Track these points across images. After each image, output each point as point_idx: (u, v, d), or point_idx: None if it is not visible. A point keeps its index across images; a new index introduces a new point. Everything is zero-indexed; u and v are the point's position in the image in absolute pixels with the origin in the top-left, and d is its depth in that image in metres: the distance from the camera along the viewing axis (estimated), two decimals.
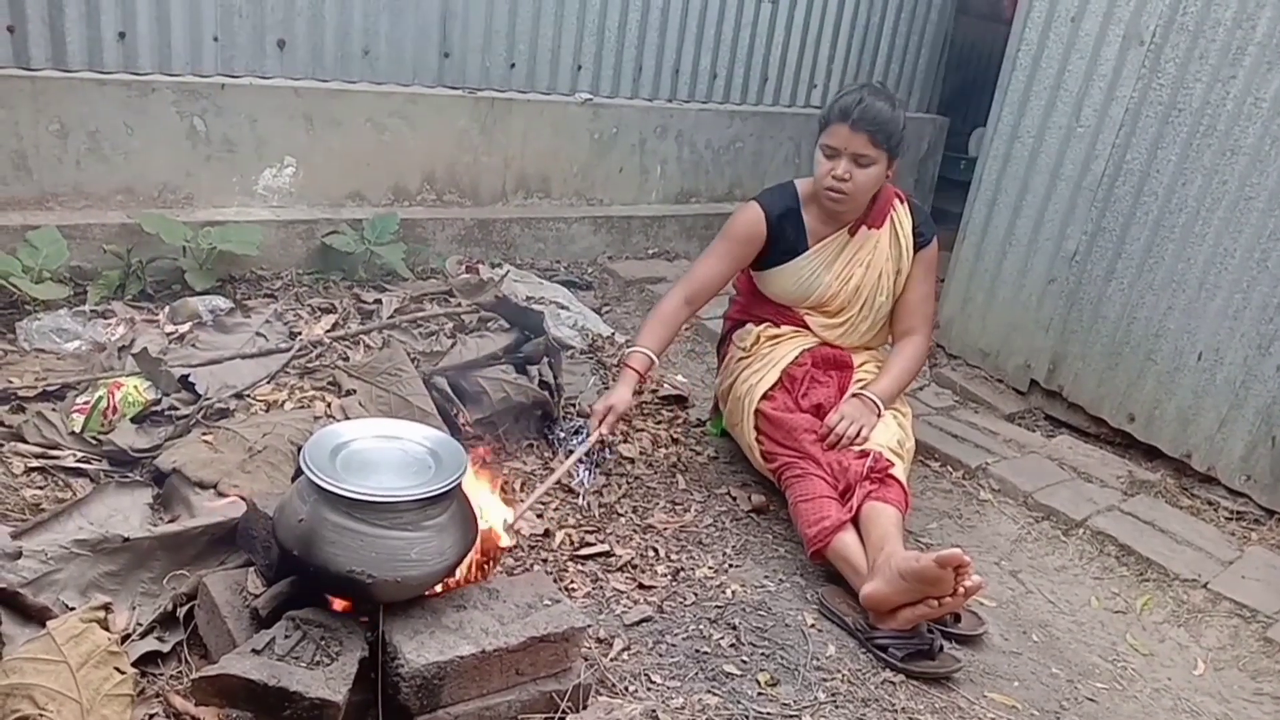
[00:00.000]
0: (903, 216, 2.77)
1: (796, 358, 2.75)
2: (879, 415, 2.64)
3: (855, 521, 2.42)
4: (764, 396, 2.70)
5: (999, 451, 3.32)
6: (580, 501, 2.62)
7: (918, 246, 2.77)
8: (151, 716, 1.66)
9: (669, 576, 2.40)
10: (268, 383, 2.70)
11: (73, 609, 1.74)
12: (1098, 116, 3.44)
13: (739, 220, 2.76)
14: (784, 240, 2.74)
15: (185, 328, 2.95)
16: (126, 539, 1.91)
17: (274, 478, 2.23)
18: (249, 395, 2.62)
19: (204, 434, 2.35)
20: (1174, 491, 3.20)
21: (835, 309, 2.79)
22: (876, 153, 2.57)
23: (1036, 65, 3.61)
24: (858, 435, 2.57)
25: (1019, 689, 2.26)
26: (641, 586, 2.34)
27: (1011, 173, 3.74)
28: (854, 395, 2.69)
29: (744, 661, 2.14)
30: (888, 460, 2.50)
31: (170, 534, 1.96)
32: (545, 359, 2.90)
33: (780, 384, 2.72)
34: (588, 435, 2.56)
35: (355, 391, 2.63)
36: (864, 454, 2.52)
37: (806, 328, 2.82)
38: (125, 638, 1.76)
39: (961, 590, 2.14)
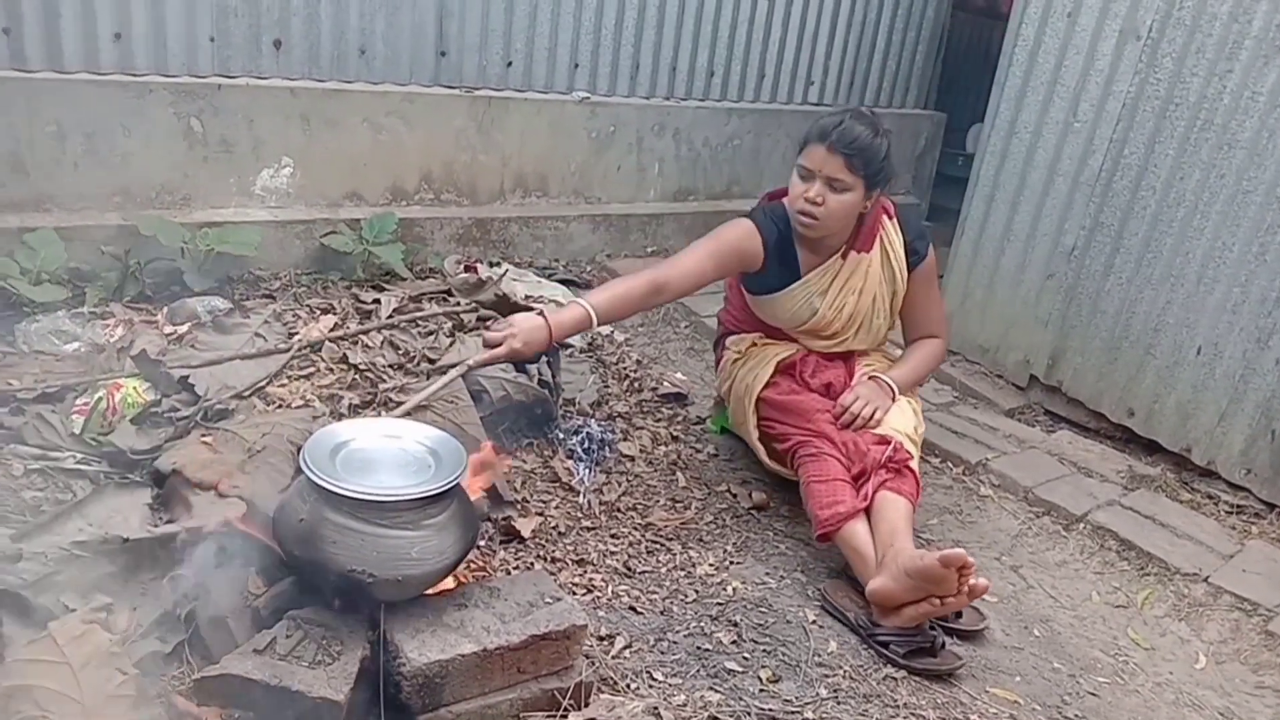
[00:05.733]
0: (893, 236, 2.68)
1: (791, 353, 2.75)
2: (893, 399, 2.63)
3: (868, 510, 2.41)
4: (766, 386, 2.69)
5: (999, 447, 3.32)
6: (580, 499, 2.62)
7: (912, 266, 2.70)
8: (154, 717, 1.65)
9: (670, 574, 2.40)
10: (268, 384, 2.70)
11: (74, 610, 1.74)
12: (1095, 111, 3.44)
13: (732, 232, 2.61)
14: (777, 267, 2.66)
15: (184, 329, 2.95)
16: (126, 539, 1.91)
17: (274, 478, 2.22)
18: (252, 395, 2.61)
19: (203, 435, 2.35)
20: (1174, 486, 3.20)
21: (830, 334, 2.75)
22: (852, 179, 2.47)
23: (1033, 60, 3.61)
24: (872, 417, 2.56)
25: (1021, 684, 2.26)
26: (642, 584, 2.33)
27: (1009, 168, 3.74)
28: (870, 378, 2.68)
29: (745, 658, 2.14)
30: (907, 452, 2.49)
31: (170, 534, 1.96)
32: (544, 358, 2.89)
33: (780, 372, 2.71)
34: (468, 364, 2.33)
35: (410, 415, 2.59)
36: (883, 440, 2.50)
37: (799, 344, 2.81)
38: (126, 639, 1.76)
39: (965, 590, 2.14)
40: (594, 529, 2.52)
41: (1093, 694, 2.27)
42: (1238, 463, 3.13)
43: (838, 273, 2.66)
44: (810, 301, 2.68)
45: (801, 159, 2.52)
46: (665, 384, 3.36)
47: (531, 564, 2.31)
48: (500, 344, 2.28)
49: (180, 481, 2.18)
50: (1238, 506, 3.10)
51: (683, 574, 2.41)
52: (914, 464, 2.50)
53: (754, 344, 2.82)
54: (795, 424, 2.61)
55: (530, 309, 3.00)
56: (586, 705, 1.83)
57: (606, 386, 3.25)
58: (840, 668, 2.17)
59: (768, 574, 2.48)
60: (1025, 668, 2.33)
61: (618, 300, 2.46)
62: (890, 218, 2.70)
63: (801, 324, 2.73)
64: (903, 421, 2.58)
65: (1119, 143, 3.38)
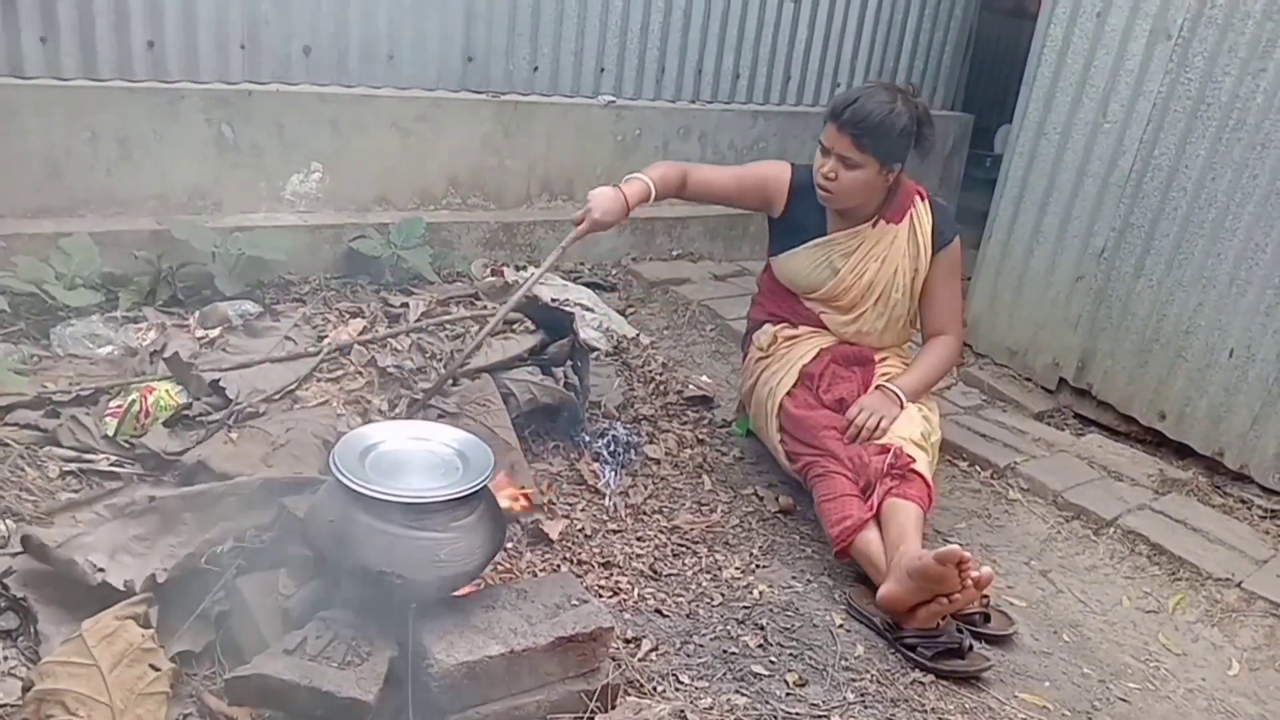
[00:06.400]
0: (922, 214, 2.74)
1: (814, 356, 2.75)
2: (901, 408, 2.62)
3: (878, 518, 2.41)
4: (786, 394, 2.70)
5: (1028, 450, 3.29)
6: (606, 502, 2.62)
7: (937, 247, 2.73)
8: (186, 716, 1.68)
9: (696, 577, 2.40)
10: (298, 386, 2.72)
11: (101, 570, 1.77)
12: (1125, 112, 3.41)
13: (764, 167, 2.83)
14: (802, 217, 2.74)
15: (215, 332, 2.97)
16: (153, 498, 1.94)
17: (297, 470, 2.24)
18: (282, 398, 2.63)
19: (229, 435, 2.37)
20: (1206, 490, 3.16)
21: (848, 304, 2.77)
22: (862, 157, 2.53)
23: (1062, 61, 3.58)
24: (877, 427, 2.56)
25: (1050, 689, 2.24)
26: (668, 587, 2.34)
27: (1038, 169, 3.71)
28: (877, 387, 2.68)
29: (772, 662, 2.14)
30: (908, 456, 2.49)
31: (195, 493, 2.00)
32: (570, 361, 2.90)
33: (800, 382, 2.71)
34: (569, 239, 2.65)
35: (444, 416, 2.62)
36: (884, 449, 2.50)
37: (823, 326, 2.82)
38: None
39: (970, 583, 2.13)
40: (620, 532, 2.52)
41: (1123, 700, 2.25)
42: (1271, 467, 3.09)
43: (863, 240, 2.71)
44: (832, 262, 2.73)
45: (821, 134, 2.60)
46: (691, 387, 3.36)
47: (558, 566, 2.32)
48: (582, 220, 2.56)
49: (206, 473, 2.21)
50: (1271, 511, 3.05)
51: (709, 577, 2.41)
52: (921, 467, 2.48)
53: (775, 338, 2.82)
54: (804, 442, 2.62)
55: (562, 310, 3.03)
56: (613, 708, 1.83)
57: (632, 389, 3.26)
58: (867, 672, 2.16)
59: (794, 577, 2.47)
60: (1055, 673, 2.31)
61: (663, 180, 2.69)
62: (922, 199, 2.75)
63: (820, 287, 2.76)
64: (907, 428, 2.57)
65: (1149, 143, 3.35)
